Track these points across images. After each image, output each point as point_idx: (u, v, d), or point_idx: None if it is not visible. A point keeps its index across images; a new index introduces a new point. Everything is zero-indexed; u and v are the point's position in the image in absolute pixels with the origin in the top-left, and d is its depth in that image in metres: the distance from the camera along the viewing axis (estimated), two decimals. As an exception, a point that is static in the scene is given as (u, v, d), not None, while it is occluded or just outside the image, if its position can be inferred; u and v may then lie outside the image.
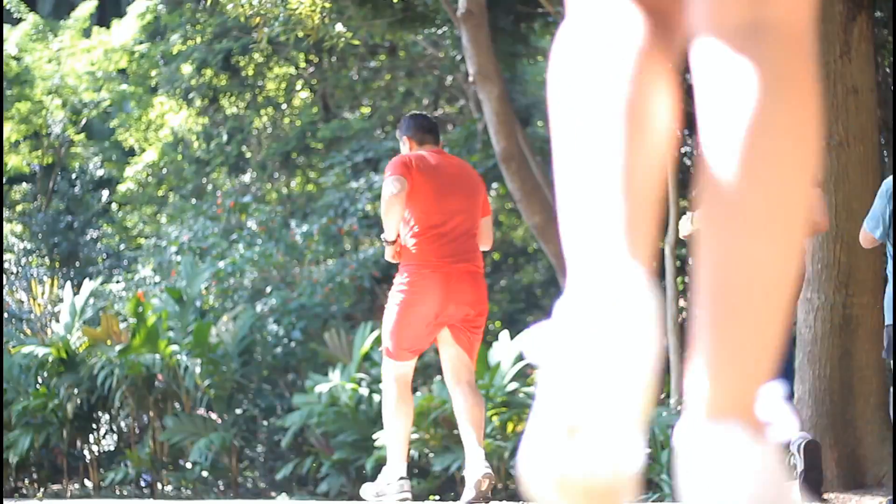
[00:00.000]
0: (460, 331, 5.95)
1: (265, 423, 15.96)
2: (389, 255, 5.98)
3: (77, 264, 19.99)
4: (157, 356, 14.26)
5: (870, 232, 6.46)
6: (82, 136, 21.87)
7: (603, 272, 1.22)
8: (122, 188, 21.72)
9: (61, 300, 16.19)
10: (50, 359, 14.39)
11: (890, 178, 6.46)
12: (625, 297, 1.19)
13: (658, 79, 1.29)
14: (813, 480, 5.96)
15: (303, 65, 19.60)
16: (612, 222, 1.26)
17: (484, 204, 6.06)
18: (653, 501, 9.43)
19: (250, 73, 18.67)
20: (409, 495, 5.86)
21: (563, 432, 1.20)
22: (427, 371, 15.47)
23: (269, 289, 17.00)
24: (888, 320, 6.43)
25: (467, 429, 5.79)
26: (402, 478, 5.94)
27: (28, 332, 16.10)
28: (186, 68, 19.19)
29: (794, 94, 1.24)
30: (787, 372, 6.63)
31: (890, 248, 6.44)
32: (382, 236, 5.99)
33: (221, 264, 16.63)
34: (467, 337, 5.96)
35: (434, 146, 6.05)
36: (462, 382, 5.92)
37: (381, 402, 14.09)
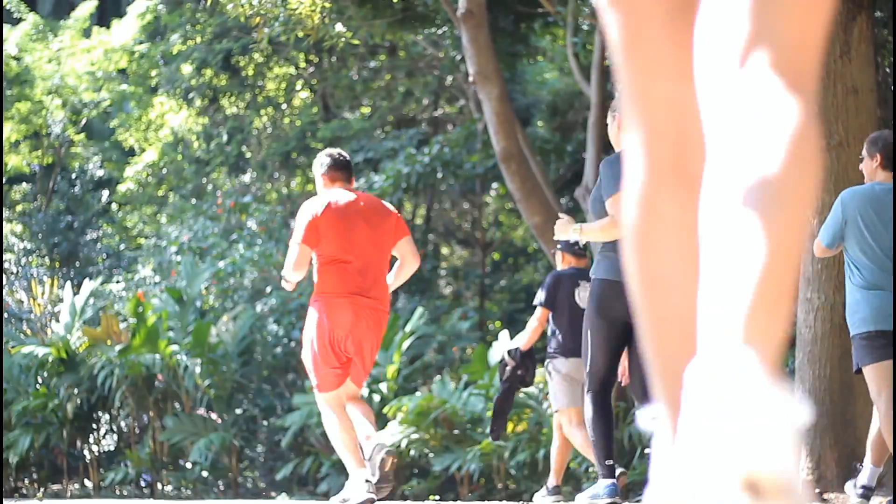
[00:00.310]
0: (355, 362, 6.42)
1: (265, 423, 15.97)
2: (289, 288, 6.57)
3: (77, 264, 20.00)
4: (157, 356, 14.27)
5: (818, 239, 6.50)
6: (82, 136, 21.88)
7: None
8: (122, 188, 21.72)
9: (61, 300, 16.19)
10: (50, 359, 14.39)
11: (846, 191, 6.48)
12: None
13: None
14: None
15: (303, 65, 19.60)
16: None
17: (397, 228, 6.51)
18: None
19: (250, 73, 18.67)
20: (373, 496, 6.17)
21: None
22: (427, 371, 15.47)
23: (269, 289, 17.00)
24: (853, 331, 6.36)
25: (365, 425, 6.23)
26: (367, 479, 6.26)
27: (28, 332, 16.10)
28: (186, 68, 19.20)
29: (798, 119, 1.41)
30: None
31: (847, 258, 6.47)
32: (283, 272, 6.52)
33: (221, 264, 16.63)
34: (359, 367, 6.42)
35: (345, 184, 6.54)
36: (350, 400, 6.40)
37: (380, 401, 14.11)
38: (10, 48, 20.34)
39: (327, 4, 10.32)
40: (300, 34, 10.53)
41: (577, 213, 16.81)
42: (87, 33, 21.50)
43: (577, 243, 7.80)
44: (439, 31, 14.74)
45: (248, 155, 20.59)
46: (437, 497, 13.18)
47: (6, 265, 19.05)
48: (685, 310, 1.58)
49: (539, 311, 7.97)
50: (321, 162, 6.63)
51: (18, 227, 21.02)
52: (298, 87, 20.07)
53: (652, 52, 1.66)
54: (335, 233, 6.33)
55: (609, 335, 5.89)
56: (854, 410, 7.68)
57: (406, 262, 6.59)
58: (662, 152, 1.66)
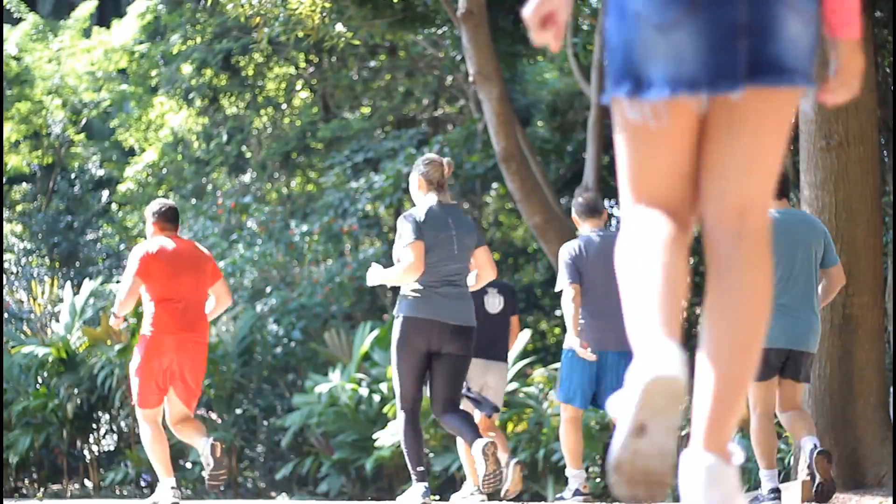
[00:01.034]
0: (181, 389, 7.32)
1: (265, 423, 15.97)
2: (113, 324, 7.47)
3: (77, 264, 20.00)
4: (157, 356, 14.25)
5: None
6: (82, 136, 21.87)
7: (656, 349, 2.31)
8: (122, 188, 21.72)
9: (61, 300, 16.19)
10: (50, 359, 14.39)
11: None
12: (669, 360, 2.29)
13: (681, 255, 2.45)
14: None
15: (303, 65, 19.60)
16: (661, 319, 2.36)
17: (213, 273, 7.40)
18: None
19: (250, 73, 18.67)
20: (178, 500, 7.31)
21: (634, 431, 2.26)
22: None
23: (269, 289, 17.01)
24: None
25: (193, 436, 7.28)
26: (173, 487, 7.42)
27: (28, 332, 16.10)
28: (186, 68, 19.20)
29: (761, 270, 2.42)
30: None
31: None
32: (112, 310, 7.51)
33: (221, 264, 16.63)
34: (187, 392, 7.33)
35: (172, 232, 7.36)
36: (183, 424, 7.38)
37: (380, 401, 14.09)
38: (10, 48, 20.34)
39: (327, 4, 10.32)
40: (300, 34, 10.53)
41: (577, 213, 16.79)
42: (87, 33, 21.50)
43: None
44: (439, 31, 14.74)
45: (248, 155, 20.59)
46: (437, 497, 13.17)
47: (6, 265, 19.05)
48: (673, 272, 2.42)
49: None
50: (153, 210, 7.40)
51: (18, 227, 21.02)
52: (298, 87, 20.07)
53: (654, 159, 2.47)
54: (163, 275, 7.18)
55: (413, 364, 6.72)
56: (854, 410, 7.68)
57: (221, 300, 7.46)
58: (657, 222, 2.45)
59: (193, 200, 20.38)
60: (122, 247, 21.38)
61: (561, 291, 7.19)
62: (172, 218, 7.37)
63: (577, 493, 7.38)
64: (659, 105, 2.40)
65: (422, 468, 6.60)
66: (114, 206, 22.28)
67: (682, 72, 2.35)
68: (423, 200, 6.69)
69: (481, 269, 6.79)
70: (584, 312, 7.11)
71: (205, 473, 7.20)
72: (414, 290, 6.60)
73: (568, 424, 7.29)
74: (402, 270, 6.50)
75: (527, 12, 2.52)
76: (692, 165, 2.46)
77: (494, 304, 8.47)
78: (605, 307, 7.07)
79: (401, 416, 6.76)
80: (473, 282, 6.87)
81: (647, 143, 2.45)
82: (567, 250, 7.22)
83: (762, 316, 2.40)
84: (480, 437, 6.54)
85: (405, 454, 6.68)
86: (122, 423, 15.52)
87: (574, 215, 7.51)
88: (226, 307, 7.56)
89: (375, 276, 6.71)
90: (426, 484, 6.58)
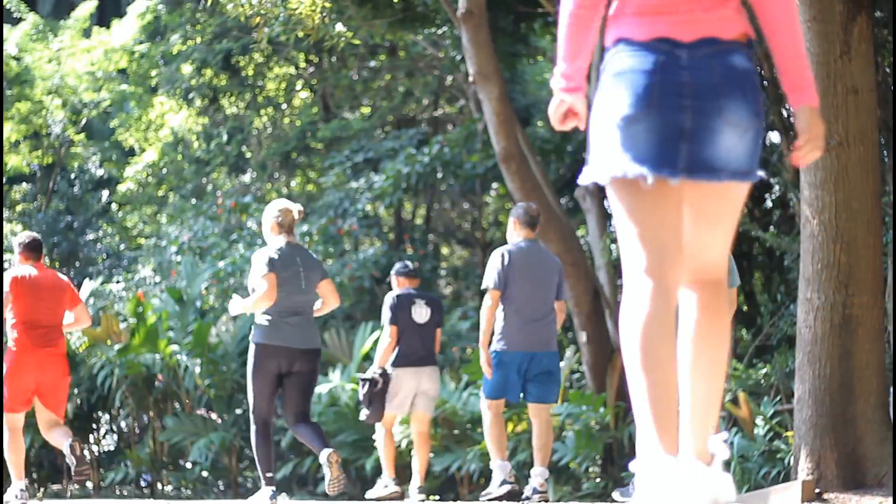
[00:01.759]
0: (47, 397, 8.22)
1: (265, 423, 15.95)
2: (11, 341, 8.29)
3: (77, 264, 20.00)
4: (157, 356, 14.25)
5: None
6: (82, 136, 21.87)
7: (663, 475, 2.89)
8: (122, 188, 21.72)
9: (61, 300, 16.16)
10: (50, 359, 14.37)
11: None
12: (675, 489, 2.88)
13: (671, 350, 3.06)
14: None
15: (303, 65, 19.60)
16: (667, 432, 2.96)
17: (72, 298, 8.36)
18: None
19: (250, 73, 18.67)
20: (27, 501, 8.01)
21: None
22: (427, 371, 15.46)
23: (269, 289, 16.96)
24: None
25: (61, 440, 7.99)
26: (21, 489, 8.05)
27: (28, 332, 16.07)
28: (186, 68, 19.20)
29: (721, 322, 3.16)
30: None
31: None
32: None
33: (221, 264, 16.63)
34: (53, 401, 8.24)
35: (35, 262, 8.23)
36: (52, 430, 8.18)
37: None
38: (10, 48, 20.33)
39: (327, 4, 10.33)
40: (300, 34, 10.53)
41: (576, 213, 16.80)
42: (87, 33, 21.49)
43: (406, 265, 9.26)
44: (439, 31, 14.74)
45: (248, 155, 20.59)
46: (438, 497, 13.18)
47: (6, 265, 19.05)
48: (669, 379, 2.98)
49: (390, 330, 9.01)
50: (20, 241, 8.29)
51: (18, 227, 21.01)
52: (298, 87, 20.07)
53: (644, 213, 3.08)
54: (25, 299, 8.12)
55: (265, 384, 7.50)
56: (854, 410, 7.68)
57: (80, 320, 8.48)
58: (653, 272, 3.05)
59: (193, 200, 20.38)
60: (122, 247, 21.38)
61: (486, 290, 7.95)
62: (35, 248, 8.27)
63: (504, 483, 8.16)
64: (612, 179, 3.11)
65: (271, 474, 7.44)
66: (114, 206, 22.28)
67: (633, 157, 3.01)
68: (273, 241, 7.57)
69: (325, 298, 7.68)
70: (510, 315, 7.88)
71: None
72: (266, 320, 7.46)
73: (495, 419, 7.96)
74: (258, 298, 7.39)
75: (550, 110, 3.17)
76: (673, 231, 3.09)
77: (422, 314, 9.05)
78: (528, 311, 7.90)
79: (254, 428, 7.52)
80: (318, 307, 7.74)
81: (632, 207, 3.11)
82: (498, 256, 8.00)
83: (727, 338, 3.12)
84: (327, 446, 7.34)
85: (257, 462, 7.50)
86: (122, 423, 15.52)
87: (513, 219, 8.30)
88: (84, 326, 8.63)
89: (236, 305, 7.61)
90: (273, 488, 7.43)
